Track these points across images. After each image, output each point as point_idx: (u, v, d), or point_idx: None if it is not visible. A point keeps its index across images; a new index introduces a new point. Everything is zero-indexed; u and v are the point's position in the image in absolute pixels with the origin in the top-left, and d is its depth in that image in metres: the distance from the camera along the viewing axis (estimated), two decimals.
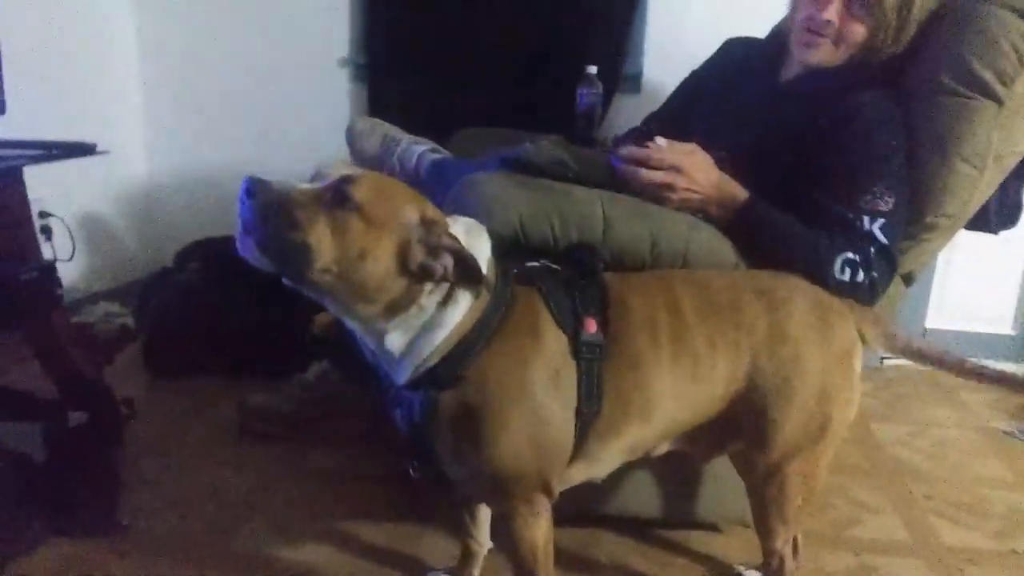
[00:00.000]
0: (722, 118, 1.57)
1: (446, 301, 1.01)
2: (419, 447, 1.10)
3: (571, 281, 1.11)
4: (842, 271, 1.27)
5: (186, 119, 2.91)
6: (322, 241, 0.95)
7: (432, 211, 1.01)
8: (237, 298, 2.22)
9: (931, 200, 1.37)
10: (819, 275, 1.26)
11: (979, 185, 1.37)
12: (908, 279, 1.49)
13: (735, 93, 1.59)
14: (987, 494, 1.88)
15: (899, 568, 1.57)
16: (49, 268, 1.71)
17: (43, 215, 2.31)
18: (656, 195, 1.31)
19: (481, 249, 1.04)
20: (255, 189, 0.95)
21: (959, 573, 1.57)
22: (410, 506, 1.63)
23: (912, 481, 1.92)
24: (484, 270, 1.01)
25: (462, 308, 1.01)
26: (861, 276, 1.27)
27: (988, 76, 1.33)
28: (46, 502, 1.50)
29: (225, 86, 2.86)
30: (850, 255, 1.27)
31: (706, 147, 1.35)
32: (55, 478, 1.52)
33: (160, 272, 2.48)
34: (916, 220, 1.38)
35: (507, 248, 1.18)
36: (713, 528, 1.60)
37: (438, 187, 1.60)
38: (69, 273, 2.40)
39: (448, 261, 0.98)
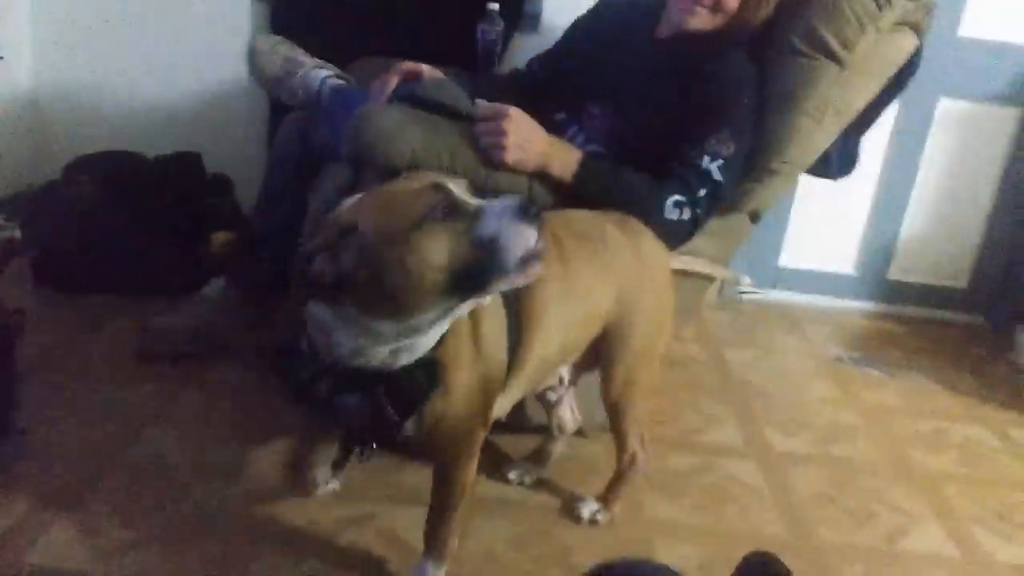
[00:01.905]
0: (597, 68, 1.70)
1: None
2: (384, 429, 1.11)
3: None
4: (672, 210, 1.45)
5: (77, 28, 2.78)
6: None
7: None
8: (132, 215, 2.23)
9: (775, 148, 1.57)
10: (649, 214, 1.43)
11: (817, 136, 1.57)
12: (754, 216, 1.70)
13: (611, 45, 1.72)
14: (814, 409, 2.18)
15: (734, 467, 1.83)
16: None
17: None
18: (489, 152, 1.40)
19: None
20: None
21: (783, 471, 1.84)
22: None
23: (754, 398, 2.20)
24: None
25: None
26: (687, 214, 1.46)
27: (832, 40, 1.52)
28: None
29: None
30: (679, 196, 1.45)
31: (580, 100, 1.49)
32: None
33: (48, 185, 2.43)
34: (760, 165, 1.58)
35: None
36: (580, 434, 1.80)
37: (339, 113, 1.68)
38: None
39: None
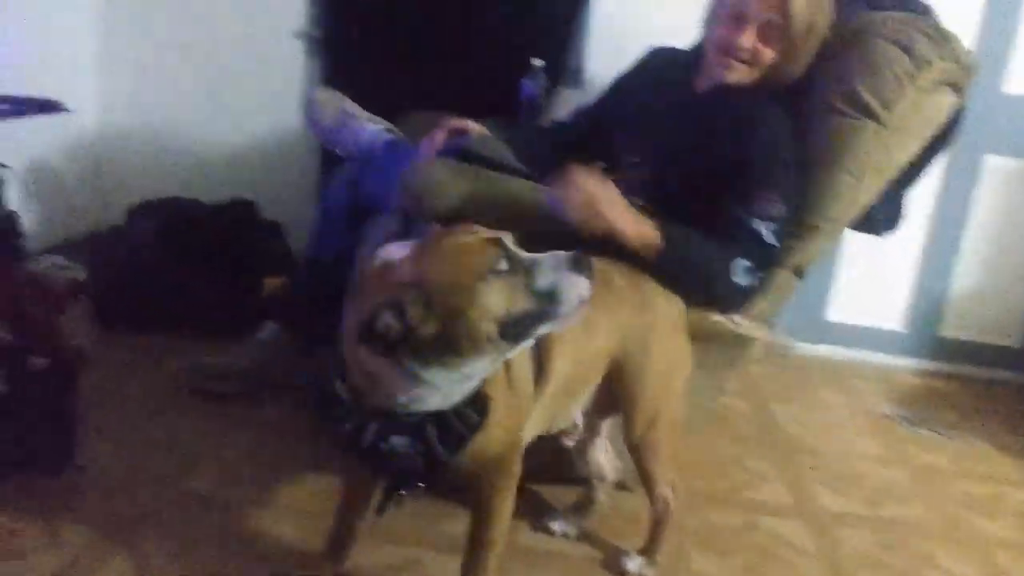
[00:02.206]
0: (638, 121, 1.73)
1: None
2: (427, 472, 1.12)
3: None
4: (743, 276, 1.45)
5: (142, 78, 2.95)
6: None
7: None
8: (189, 259, 2.31)
9: (816, 205, 1.57)
10: (721, 283, 1.44)
11: (858, 194, 1.58)
12: (799, 272, 1.69)
13: (652, 99, 1.74)
14: (864, 468, 2.13)
15: (781, 526, 1.79)
16: (12, 217, 1.78)
17: None
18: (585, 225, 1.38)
19: None
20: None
21: (832, 532, 1.79)
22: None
23: (800, 454, 2.16)
24: None
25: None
26: (755, 279, 1.47)
27: (872, 100, 1.53)
28: (7, 442, 1.59)
29: (182, 48, 2.90)
30: (748, 262, 1.45)
31: (620, 153, 1.52)
32: (15, 417, 1.61)
33: (112, 229, 2.54)
34: (802, 222, 1.58)
35: None
36: (621, 487, 1.78)
37: (389, 165, 1.74)
38: None
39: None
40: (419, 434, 1.06)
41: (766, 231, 1.47)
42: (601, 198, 1.35)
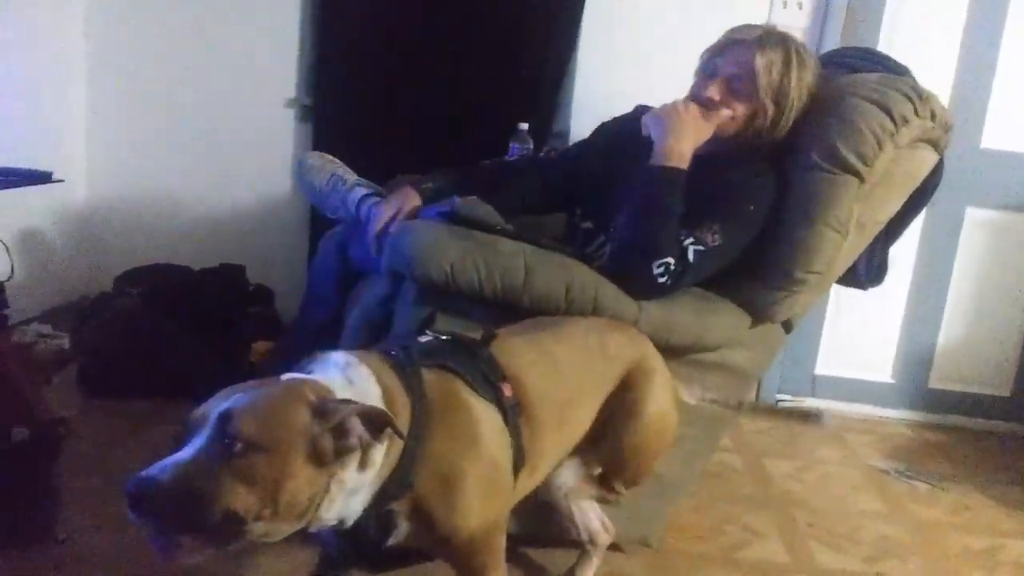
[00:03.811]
0: (624, 177, 1.72)
1: (363, 462, 0.99)
2: (358, 554, 1.13)
3: (471, 353, 1.19)
4: (658, 267, 1.48)
5: (130, 147, 2.97)
6: (240, 498, 0.88)
7: (314, 392, 0.97)
8: (176, 324, 2.30)
9: (800, 258, 1.59)
10: (646, 258, 1.48)
11: (842, 247, 1.60)
12: (787, 326, 1.71)
13: (638, 155, 1.76)
14: (861, 524, 2.10)
15: None
16: None
17: None
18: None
19: (367, 385, 1.04)
20: (142, 495, 0.85)
21: None
22: None
23: (797, 510, 2.13)
24: (379, 400, 1.02)
25: (379, 459, 1.01)
26: (664, 279, 1.49)
27: (851, 157, 1.56)
28: None
29: (171, 116, 2.94)
30: (671, 261, 1.48)
31: (607, 212, 1.57)
32: None
33: (99, 296, 2.53)
34: (787, 275, 1.60)
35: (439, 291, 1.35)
36: (615, 548, 1.75)
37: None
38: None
39: (359, 430, 0.96)
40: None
41: (692, 250, 1.50)
42: (677, 115, 1.56)
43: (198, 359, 2.28)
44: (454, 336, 1.23)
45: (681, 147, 1.56)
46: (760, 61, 1.59)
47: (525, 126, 2.49)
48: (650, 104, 1.90)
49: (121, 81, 2.93)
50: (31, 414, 1.80)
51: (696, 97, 1.66)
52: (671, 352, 1.55)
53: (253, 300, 2.63)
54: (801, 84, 1.62)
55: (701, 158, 1.68)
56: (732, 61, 1.62)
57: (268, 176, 2.93)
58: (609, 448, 1.40)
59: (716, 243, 1.53)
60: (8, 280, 2.26)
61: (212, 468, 0.88)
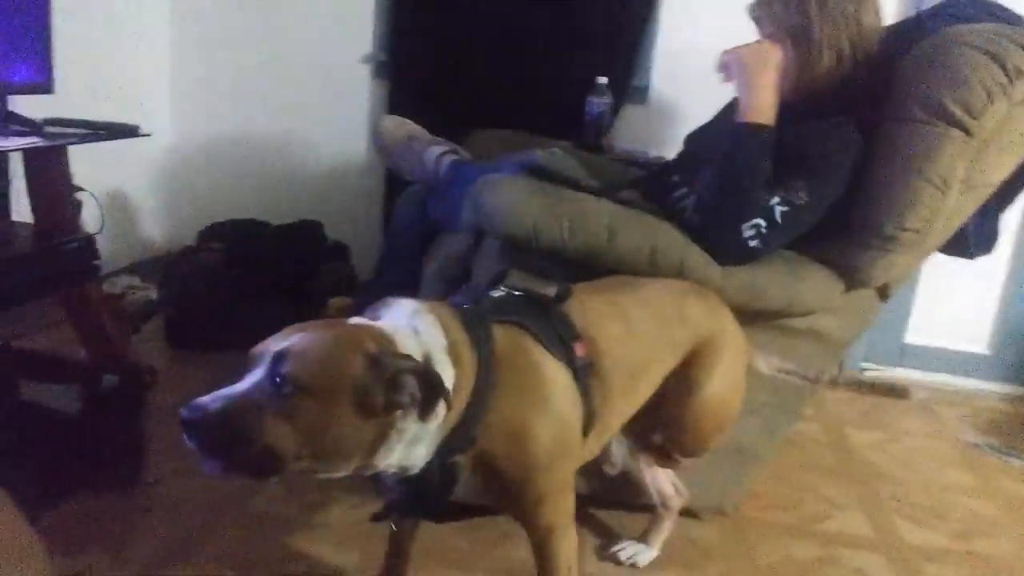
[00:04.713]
0: (714, 139, 1.68)
1: (423, 414, 0.98)
2: (419, 503, 1.12)
3: (544, 310, 1.17)
4: (749, 230, 1.43)
5: (212, 103, 3.03)
6: (281, 438, 0.90)
7: (374, 341, 0.96)
8: (257, 278, 2.35)
9: (894, 214, 1.49)
10: (733, 222, 1.43)
11: (944, 205, 1.48)
12: (883, 293, 1.62)
13: (715, 132, 1.71)
14: (950, 499, 2.01)
15: (861, 560, 1.70)
16: (89, 240, 1.83)
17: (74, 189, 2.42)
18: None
19: (434, 336, 1.02)
20: (191, 421, 0.89)
21: (916, 568, 1.70)
22: None
23: (880, 483, 2.05)
24: (444, 352, 1.01)
25: (442, 411, 0.99)
26: (756, 242, 1.43)
27: (957, 109, 1.44)
28: (78, 458, 1.63)
29: (252, 73, 2.97)
30: (761, 222, 1.43)
31: (695, 166, 1.51)
32: (88, 435, 1.65)
33: (183, 250, 2.60)
34: (879, 232, 1.50)
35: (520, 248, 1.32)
36: (690, 515, 1.72)
37: (455, 188, 1.73)
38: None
39: (412, 385, 0.95)
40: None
41: (778, 210, 1.44)
42: (757, 63, 1.52)
43: (276, 314, 2.32)
44: (528, 292, 1.20)
45: (767, 100, 1.50)
46: (769, 10, 1.56)
47: (604, 80, 2.42)
48: None
49: (203, 38, 2.98)
50: (120, 362, 1.88)
51: None
52: (758, 317, 1.49)
53: (330, 256, 2.66)
54: (828, 11, 1.53)
55: (780, 113, 1.61)
56: (758, 24, 1.61)
57: (345, 132, 2.94)
58: (666, 418, 1.37)
59: (803, 201, 1.46)
60: (99, 232, 2.35)
61: (260, 405, 0.90)
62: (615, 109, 2.55)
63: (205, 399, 0.90)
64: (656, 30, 2.70)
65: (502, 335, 1.09)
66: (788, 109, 1.56)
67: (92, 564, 1.41)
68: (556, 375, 1.12)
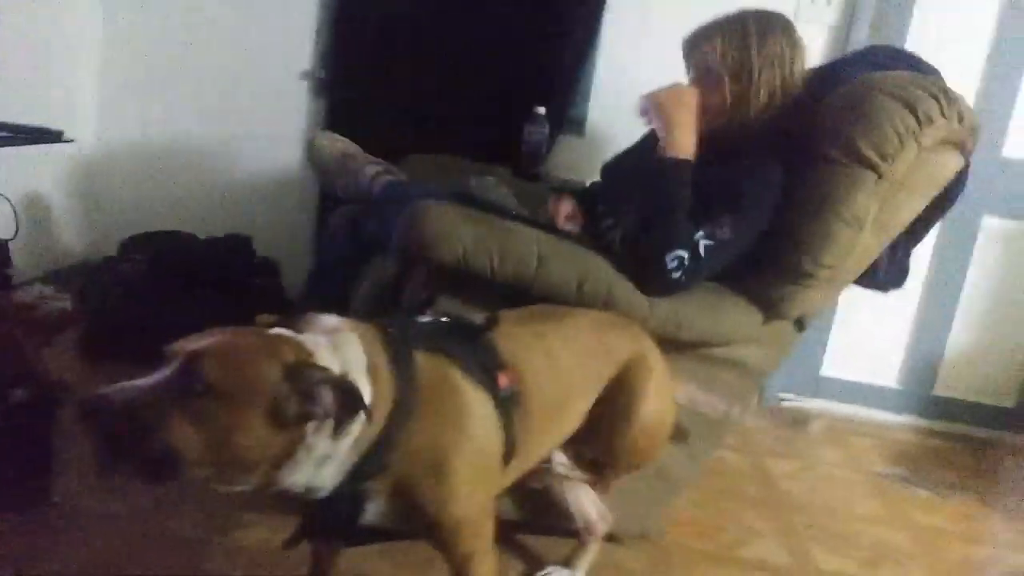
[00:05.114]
0: (639, 173, 1.73)
1: (337, 431, 0.96)
2: (330, 527, 1.11)
3: (470, 339, 1.17)
4: (672, 261, 1.47)
5: (141, 111, 2.95)
6: (184, 439, 0.87)
7: (292, 350, 0.95)
8: (181, 292, 2.28)
9: (808, 250, 1.56)
10: (657, 251, 1.46)
11: (856, 244, 1.56)
12: (800, 324, 1.68)
13: (637, 164, 1.77)
14: (860, 527, 2.09)
15: None
16: (1, 247, 1.75)
17: None
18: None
19: (354, 354, 1.00)
20: (91, 410, 0.85)
21: None
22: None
23: (796, 511, 2.11)
24: (363, 371, 0.99)
25: (355, 430, 0.98)
26: (679, 273, 1.47)
27: (870, 152, 1.52)
28: None
29: (184, 83, 2.91)
30: (684, 254, 1.47)
31: (621, 200, 1.60)
32: None
33: (104, 260, 2.51)
34: (794, 267, 1.57)
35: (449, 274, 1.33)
36: (614, 540, 1.73)
37: (389, 208, 1.72)
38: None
39: (327, 397, 0.93)
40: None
41: (703, 245, 1.49)
42: (675, 104, 1.58)
43: (201, 329, 2.25)
44: (455, 319, 1.21)
45: (686, 138, 1.57)
46: (707, 49, 1.62)
47: (542, 110, 2.45)
48: None
49: (134, 42, 2.90)
50: (30, 375, 1.79)
51: None
52: (680, 347, 1.53)
53: (259, 272, 2.60)
54: (764, 58, 1.60)
55: (704, 152, 1.66)
56: (693, 63, 1.68)
57: (279, 148, 2.90)
58: (601, 445, 1.40)
59: (726, 236, 1.51)
60: (12, 239, 2.25)
61: (166, 402, 0.87)
62: (552, 138, 2.59)
63: (108, 389, 0.87)
64: (595, 62, 2.75)
65: (424, 361, 1.08)
66: (714, 148, 1.61)
67: None
68: (477, 404, 1.12)
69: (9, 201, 2.33)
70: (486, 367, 1.14)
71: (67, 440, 1.67)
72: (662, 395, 1.42)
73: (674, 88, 1.63)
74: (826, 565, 1.87)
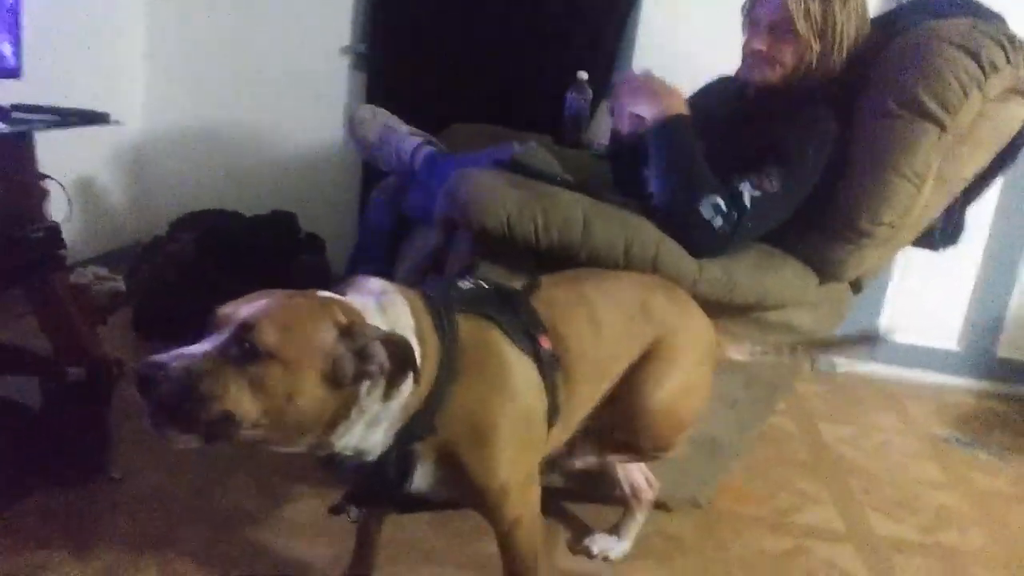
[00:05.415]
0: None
1: (389, 392, 0.97)
2: (377, 493, 1.11)
3: (511, 303, 1.16)
4: (708, 209, 1.41)
5: (186, 91, 2.98)
6: (242, 403, 0.88)
7: (345, 313, 0.95)
8: (228, 270, 2.31)
9: (866, 207, 1.50)
10: (688, 201, 1.41)
11: (918, 200, 1.50)
12: (856, 286, 1.63)
13: (709, 112, 1.71)
14: (919, 492, 2.04)
15: (832, 552, 1.71)
16: (55, 229, 1.78)
17: (40, 177, 2.36)
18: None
19: (401, 315, 1.01)
20: (149, 377, 0.85)
21: (886, 560, 1.71)
22: None
23: (852, 477, 2.07)
24: (411, 332, 1.00)
25: (406, 391, 0.99)
26: (720, 222, 1.42)
27: (932, 104, 1.45)
28: (41, 453, 1.58)
29: (227, 61, 2.93)
30: (719, 200, 1.41)
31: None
32: (51, 430, 1.60)
33: (153, 240, 2.56)
34: (851, 225, 1.51)
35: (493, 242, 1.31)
36: (663, 507, 1.72)
37: (431, 180, 1.72)
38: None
39: (381, 356, 0.93)
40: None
41: (748, 196, 1.44)
42: (647, 82, 1.54)
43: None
44: (496, 284, 1.19)
45: (675, 100, 1.52)
46: (793, 3, 1.53)
47: (585, 75, 2.41)
48: (726, 73, 1.83)
49: (179, 25, 2.92)
50: (86, 354, 1.83)
51: (744, 50, 1.62)
52: (731, 311, 1.49)
53: (304, 248, 2.62)
54: (847, 13, 1.54)
55: (758, 102, 1.61)
56: (769, 9, 1.57)
57: (322, 123, 2.90)
58: (621, 418, 1.34)
59: (774, 189, 1.46)
60: (66, 221, 2.29)
61: (223, 368, 0.87)
62: (594, 105, 2.54)
63: (164, 356, 0.86)
64: (637, 25, 2.69)
65: (468, 326, 1.08)
66: (767, 102, 1.56)
67: (55, 562, 1.38)
68: (520, 368, 1.11)
69: (61, 184, 2.37)
70: (528, 330, 1.13)
71: (123, 416, 1.72)
72: (696, 372, 1.37)
73: (637, 74, 1.59)
74: (884, 531, 1.83)
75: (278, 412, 0.90)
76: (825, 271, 1.55)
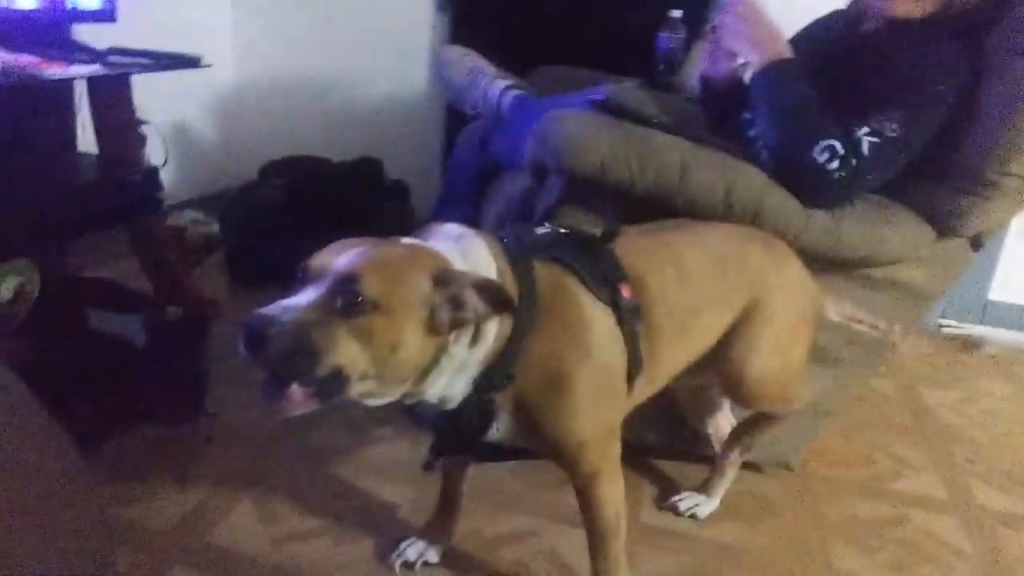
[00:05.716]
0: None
1: (475, 339, 0.97)
2: (458, 442, 1.11)
3: (589, 250, 1.12)
4: (822, 153, 1.31)
5: (273, 36, 3.00)
6: (352, 356, 0.87)
7: (436, 261, 0.95)
8: (316, 216, 2.34)
9: (996, 156, 1.37)
10: (799, 146, 1.32)
11: None
12: (976, 243, 1.50)
13: (820, 50, 1.60)
14: None
15: (932, 522, 1.62)
16: (153, 172, 1.83)
17: (137, 122, 2.42)
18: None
19: (482, 259, 1.00)
20: (259, 332, 0.83)
21: (991, 533, 1.62)
22: None
23: (956, 444, 1.96)
24: (494, 276, 0.99)
25: (490, 338, 0.98)
26: (836, 165, 1.31)
27: None
28: (144, 387, 1.65)
29: (314, 6, 2.93)
30: (835, 143, 1.31)
31: None
32: (152, 365, 1.67)
33: (244, 186, 2.60)
34: (977, 175, 1.39)
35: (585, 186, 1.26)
36: (752, 467, 1.67)
37: (519, 123, 1.67)
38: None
39: (476, 303, 0.93)
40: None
41: (866, 141, 1.33)
42: (746, 21, 1.46)
43: None
44: (574, 230, 1.15)
45: (776, 44, 1.44)
46: None
47: (678, 13, 2.29)
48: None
49: None
50: (183, 294, 1.89)
51: None
52: (837, 266, 1.40)
53: (390, 195, 2.63)
54: None
55: (881, 36, 1.48)
56: None
57: (407, 67, 2.88)
58: (724, 381, 1.30)
59: (896, 133, 1.34)
60: (163, 165, 2.35)
61: (330, 321, 0.86)
62: (688, 45, 2.42)
63: (272, 309, 0.85)
64: None
65: (545, 273, 1.05)
66: (892, 36, 1.43)
67: (157, 490, 1.45)
68: (598, 317, 1.07)
69: (158, 129, 2.43)
70: (607, 278, 1.09)
71: (220, 356, 1.77)
72: (797, 333, 1.31)
73: (734, 8, 1.49)
74: (990, 503, 1.72)
75: (383, 363, 0.90)
76: (943, 225, 1.42)
